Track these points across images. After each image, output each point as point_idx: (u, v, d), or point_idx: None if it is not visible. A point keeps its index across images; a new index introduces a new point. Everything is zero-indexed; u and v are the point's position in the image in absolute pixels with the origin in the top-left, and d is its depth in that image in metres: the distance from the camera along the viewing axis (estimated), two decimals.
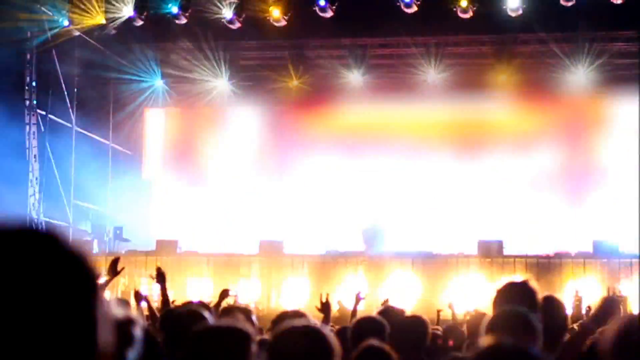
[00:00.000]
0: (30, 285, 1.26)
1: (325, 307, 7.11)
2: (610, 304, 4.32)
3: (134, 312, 4.87)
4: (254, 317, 5.28)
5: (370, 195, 19.97)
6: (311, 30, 18.72)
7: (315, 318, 5.13)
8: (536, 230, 18.78)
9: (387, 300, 8.73)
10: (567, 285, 15.25)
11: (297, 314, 5.05)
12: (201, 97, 20.81)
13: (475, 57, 20.22)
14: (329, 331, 3.15)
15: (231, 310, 5.54)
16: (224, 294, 7.82)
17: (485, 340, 1.50)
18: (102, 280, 6.48)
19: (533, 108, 19.85)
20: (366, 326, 4.87)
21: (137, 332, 2.49)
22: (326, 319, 6.96)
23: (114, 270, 6.98)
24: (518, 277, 4.09)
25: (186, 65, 20.22)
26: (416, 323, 5.33)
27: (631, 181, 17.94)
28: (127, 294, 14.37)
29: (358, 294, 8.33)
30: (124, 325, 2.44)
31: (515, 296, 3.88)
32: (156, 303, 8.61)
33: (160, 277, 7.21)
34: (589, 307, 9.31)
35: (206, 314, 4.41)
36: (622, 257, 15.67)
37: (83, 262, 1.33)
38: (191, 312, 4.48)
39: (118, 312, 2.44)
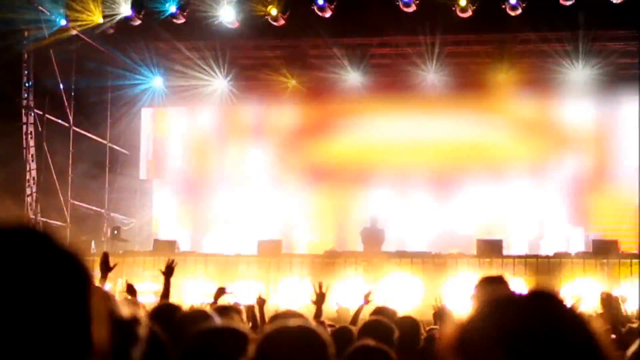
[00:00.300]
0: (23, 284, 1.25)
1: (319, 298, 6.99)
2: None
3: (139, 310, 4.81)
4: (244, 317, 5.23)
5: (370, 195, 19.92)
6: (310, 29, 18.67)
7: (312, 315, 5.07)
8: (536, 230, 18.76)
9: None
10: (567, 285, 15.21)
11: (294, 314, 4.98)
12: (199, 97, 20.76)
13: (475, 56, 20.18)
14: (322, 330, 3.05)
15: (226, 310, 5.48)
16: (220, 291, 7.76)
17: None
18: (97, 279, 6.43)
19: (532, 107, 19.83)
20: (374, 329, 4.77)
21: (142, 331, 2.44)
22: (318, 311, 6.83)
23: (106, 267, 6.95)
24: (493, 272, 4.08)
25: (184, 64, 20.17)
26: (409, 324, 5.28)
27: (631, 181, 17.92)
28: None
29: (367, 295, 8.12)
30: (128, 324, 2.39)
31: (491, 291, 3.86)
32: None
33: (169, 270, 7.16)
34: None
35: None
36: (622, 257, 15.64)
37: (76, 260, 1.32)
38: (192, 312, 4.43)
39: (123, 310, 2.38)
